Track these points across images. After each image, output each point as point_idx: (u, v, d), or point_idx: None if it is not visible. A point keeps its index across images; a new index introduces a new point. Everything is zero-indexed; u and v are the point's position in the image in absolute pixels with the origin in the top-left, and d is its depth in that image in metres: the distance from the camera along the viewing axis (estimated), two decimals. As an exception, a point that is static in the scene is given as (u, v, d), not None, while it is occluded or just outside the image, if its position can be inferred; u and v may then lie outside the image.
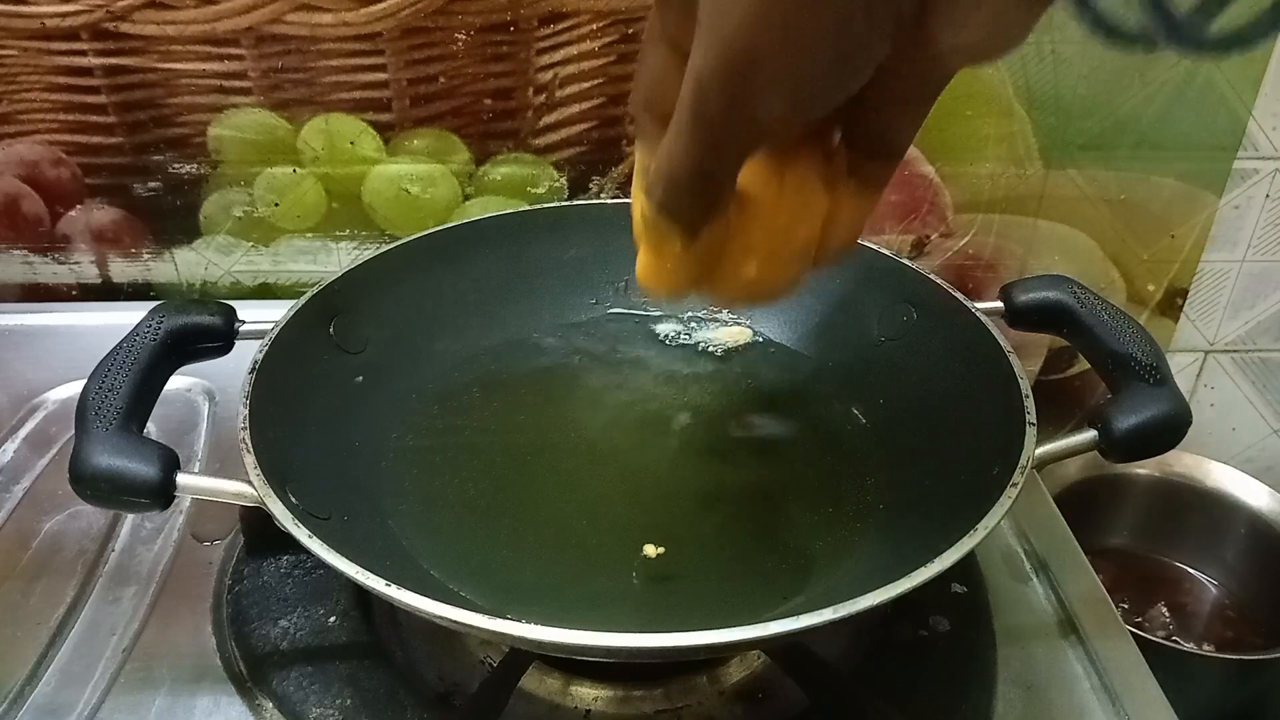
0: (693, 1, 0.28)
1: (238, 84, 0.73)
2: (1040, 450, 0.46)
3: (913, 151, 0.78)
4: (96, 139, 0.75)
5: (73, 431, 0.45)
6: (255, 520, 0.54)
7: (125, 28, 0.70)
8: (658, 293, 0.37)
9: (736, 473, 0.56)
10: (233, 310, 0.54)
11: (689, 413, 0.60)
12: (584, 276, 0.67)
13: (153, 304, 0.53)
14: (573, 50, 0.73)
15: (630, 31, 0.73)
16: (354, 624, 0.52)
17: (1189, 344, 0.89)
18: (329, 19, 0.71)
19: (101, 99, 0.73)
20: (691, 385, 0.62)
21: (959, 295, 0.57)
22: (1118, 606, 0.57)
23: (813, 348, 0.64)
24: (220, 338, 0.53)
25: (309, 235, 0.80)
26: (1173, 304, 0.87)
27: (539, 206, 0.74)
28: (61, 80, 0.73)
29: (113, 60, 0.72)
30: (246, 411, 0.47)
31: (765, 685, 0.51)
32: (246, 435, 0.46)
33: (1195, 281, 0.86)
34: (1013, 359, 0.52)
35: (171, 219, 0.78)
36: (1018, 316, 0.56)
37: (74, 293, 0.82)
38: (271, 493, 0.43)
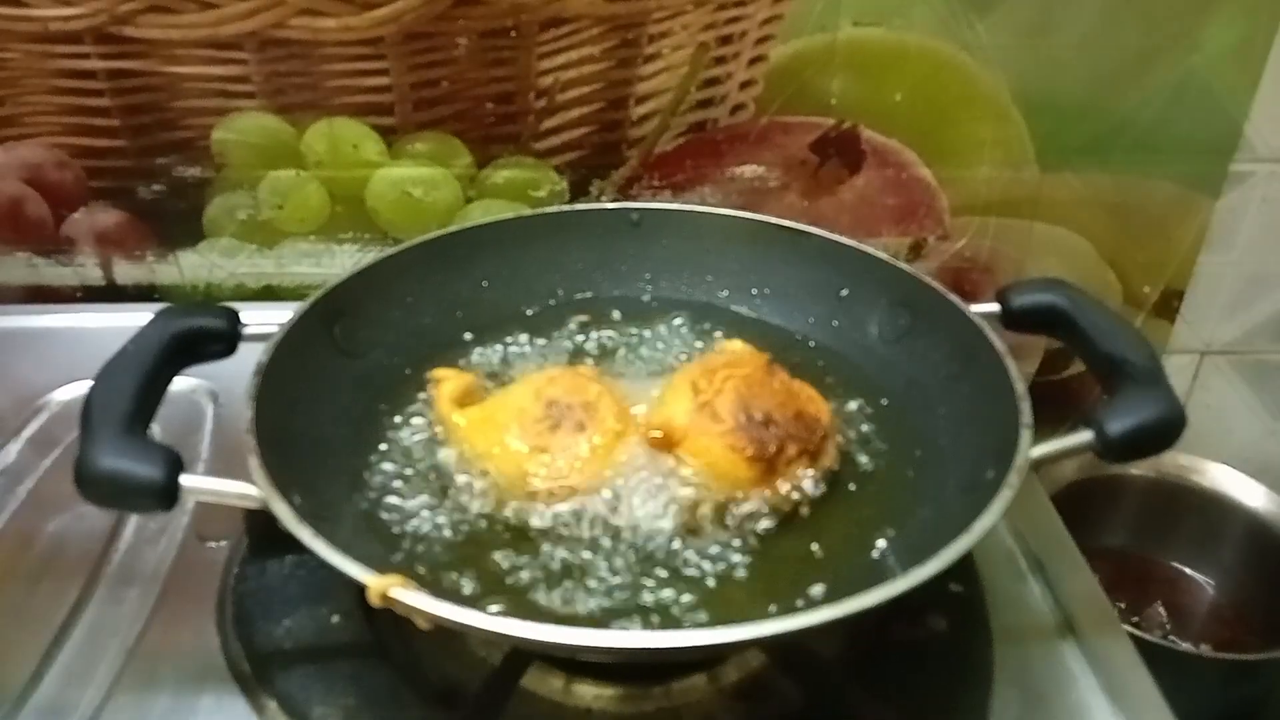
0: None
1: (241, 88, 0.74)
2: (1036, 451, 0.46)
3: (910, 155, 0.78)
4: (100, 142, 0.75)
5: (77, 433, 0.45)
6: (259, 521, 0.53)
7: (129, 31, 0.71)
8: None
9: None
10: (236, 313, 0.54)
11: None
12: (586, 279, 0.67)
13: (157, 306, 0.53)
14: (573, 55, 0.74)
15: (630, 36, 0.73)
16: (357, 624, 0.52)
17: (1185, 346, 0.89)
18: (332, 23, 0.71)
19: (105, 102, 0.74)
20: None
21: (955, 298, 0.58)
22: (1114, 606, 0.57)
23: (811, 349, 0.64)
24: (224, 340, 0.53)
25: (312, 238, 0.80)
26: (1169, 306, 0.87)
27: (540, 210, 0.74)
28: (65, 83, 0.73)
29: (116, 64, 0.72)
30: (251, 413, 0.47)
31: (765, 685, 0.51)
32: (251, 437, 0.46)
33: (1191, 284, 0.86)
34: (1008, 361, 0.52)
35: (175, 222, 0.79)
36: (1014, 319, 0.56)
37: (78, 295, 0.82)
38: (275, 494, 0.43)
